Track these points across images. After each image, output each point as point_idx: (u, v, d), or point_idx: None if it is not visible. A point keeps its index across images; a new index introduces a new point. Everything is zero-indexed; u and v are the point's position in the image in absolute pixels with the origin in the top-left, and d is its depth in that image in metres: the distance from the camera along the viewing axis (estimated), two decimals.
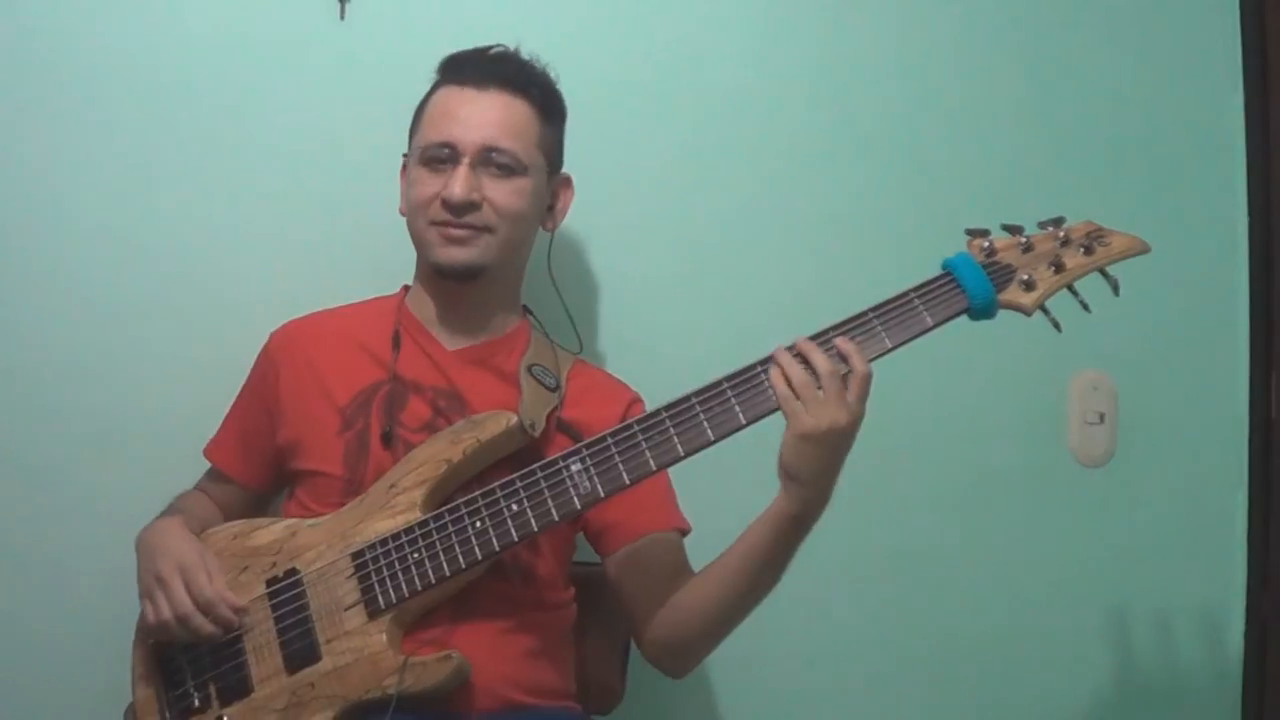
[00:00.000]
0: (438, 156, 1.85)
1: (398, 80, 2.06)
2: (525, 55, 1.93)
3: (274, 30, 2.11)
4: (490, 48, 1.92)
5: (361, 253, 2.10)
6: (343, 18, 2.12)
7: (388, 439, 1.83)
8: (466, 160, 1.83)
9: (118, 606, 1.88)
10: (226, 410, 1.98)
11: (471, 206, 1.83)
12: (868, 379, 1.64)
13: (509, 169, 1.85)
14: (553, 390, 1.88)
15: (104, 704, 1.90)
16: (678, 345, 2.18)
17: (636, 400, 1.95)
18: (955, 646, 2.26)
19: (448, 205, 1.83)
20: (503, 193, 1.85)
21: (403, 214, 1.92)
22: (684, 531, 1.90)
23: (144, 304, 2.09)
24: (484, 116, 1.86)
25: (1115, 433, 2.30)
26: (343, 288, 2.01)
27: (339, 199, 2.12)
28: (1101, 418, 2.29)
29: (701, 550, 1.84)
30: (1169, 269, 2.28)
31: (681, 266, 2.22)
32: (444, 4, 2.16)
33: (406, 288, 1.97)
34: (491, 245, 1.85)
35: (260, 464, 1.95)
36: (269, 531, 1.82)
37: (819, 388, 1.63)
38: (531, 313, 1.99)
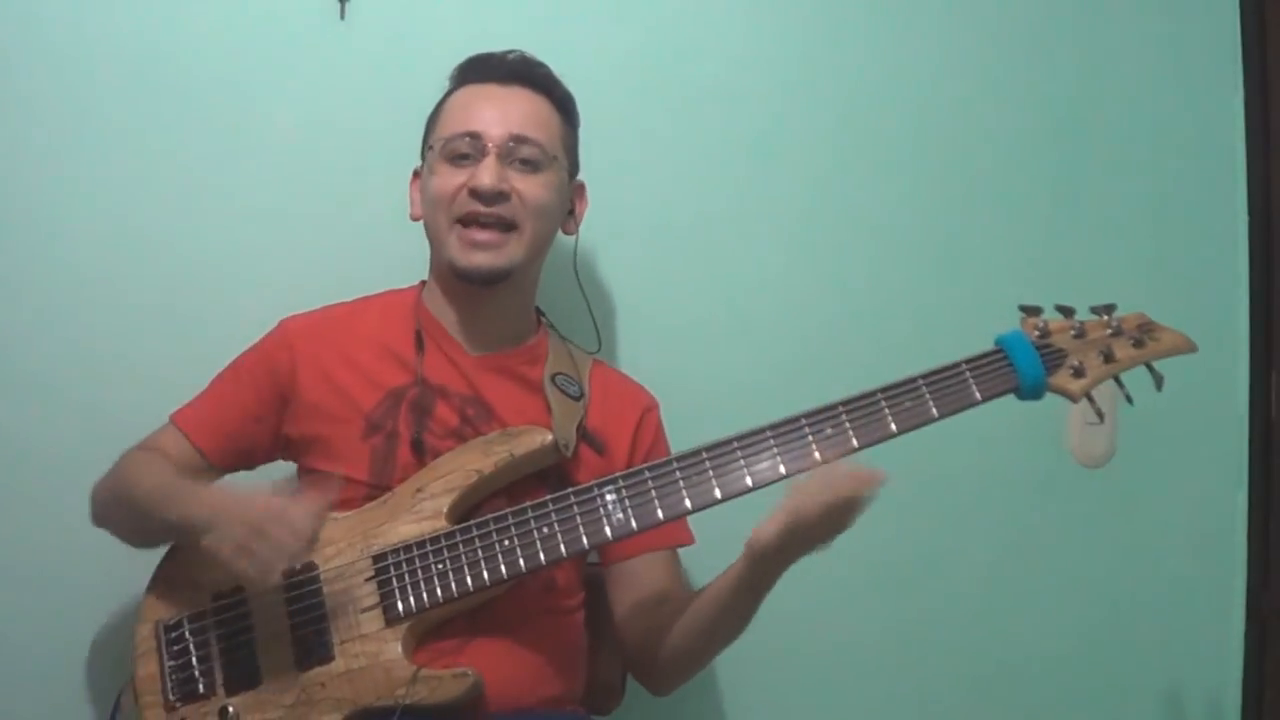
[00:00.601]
0: (461, 149, 1.82)
1: (398, 80, 2.09)
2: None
3: (274, 30, 2.10)
4: (508, 52, 1.90)
5: (363, 252, 2.09)
6: (343, 18, 2.12)
7: (418, 446, 1.80)
8: (494, 150, 1.81)
9: (114, 603, 1.87)
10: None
11: (501, 196, 1.80)
12: (861, 507, 1.62)
13: (535, 163, 1.83)
14: (577, 399, 1.86)
15: (99, 701, 1.90)
16: (692, 349, 2.18)
17: (651, 407, 1.94)
18: (953, 646, 2.26)
19: (476, 194, 1.80)
20: (530, 186, 1.82)
21: (414, 219, 1.90)
22: (686, 545, 1.90)
23: (143, 303, 2.08)
24: (509, 109, 1.84)
25: (1115, 433, 2.30)
26: (344, 287, 1.99)
27: (340, 198, 2.11)
28: (1101, 418, 2.29)
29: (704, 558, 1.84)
30: (1169, 269, 2.29)
31: (699, 271, 2.22)
32: (444, 4, 2.16)
33: (423, 283, 1.94)
34: (518, 247, 1.82)
35: (235, 447, 1.88)
36: None
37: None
38: (544, 314, 1.97)
